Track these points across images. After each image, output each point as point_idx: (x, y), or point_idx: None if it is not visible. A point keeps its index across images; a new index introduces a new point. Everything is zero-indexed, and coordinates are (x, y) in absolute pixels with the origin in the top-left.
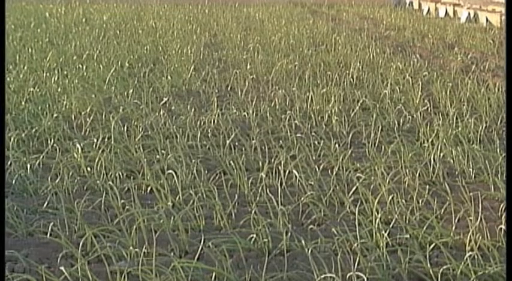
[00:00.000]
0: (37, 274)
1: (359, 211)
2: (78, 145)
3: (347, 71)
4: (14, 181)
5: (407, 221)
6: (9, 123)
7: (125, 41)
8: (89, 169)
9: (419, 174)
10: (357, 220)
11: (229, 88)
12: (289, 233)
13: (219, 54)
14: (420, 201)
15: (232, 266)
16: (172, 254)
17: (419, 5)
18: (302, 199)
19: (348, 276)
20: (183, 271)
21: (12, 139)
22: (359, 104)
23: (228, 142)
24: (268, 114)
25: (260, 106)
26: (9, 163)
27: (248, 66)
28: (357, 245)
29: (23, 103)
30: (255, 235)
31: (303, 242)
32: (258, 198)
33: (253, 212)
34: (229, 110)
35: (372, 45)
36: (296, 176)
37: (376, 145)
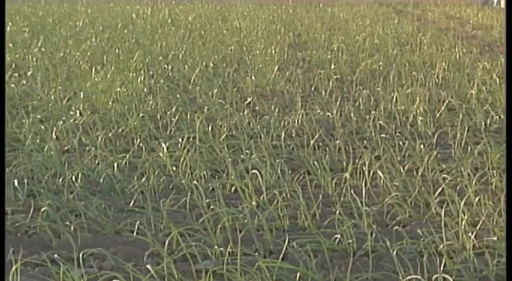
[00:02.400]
0: (124, 271)
1: (445, 212)
2: (163, 145)
3: (433, 71)
4: (101, 180)
5: (494, 223)
6: (97, 123)
7: (210, 42)
8: (174, 168)
9: None
10: (443, 222)
11: (313, 88)
12: (374, 234)
13: (303, 54)
14: None
15: (317, 266)
16: (256, 253)
17: None
18: (387, 199)
19: (433, 278)
20: (268, 271)
21: (99, 138)
22: (445, 105)
23: (312, 142)
24: (352, 115)
25: (344, 106)
26: (96, 161)
27: (332, 66)
28: (443, 246)
29: (110, 103)
30: (339, 236)
31: (387, 243)
32: (342, 198)
33: (337, 212)
34: (313, 110)
35: (458, 45)
36: (381, 177)
37: (463, 145)
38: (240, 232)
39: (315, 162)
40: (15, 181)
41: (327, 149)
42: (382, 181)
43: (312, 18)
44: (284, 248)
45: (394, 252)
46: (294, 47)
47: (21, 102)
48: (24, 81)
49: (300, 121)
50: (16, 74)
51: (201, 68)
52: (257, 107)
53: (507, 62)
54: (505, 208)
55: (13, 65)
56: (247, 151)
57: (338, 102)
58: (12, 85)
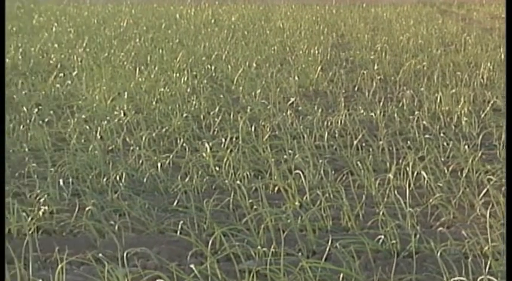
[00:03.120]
0: (168, 271)
1: (490, 213)
2: (207, 145)
3: (477, 72)
4: (145, 180)
5: None
6: (141, 123)
7: (253, 42)
8: (217, 168)
9: None
10: (488, 223)
11: (356, 88)
12: (418, 235)
13: (346, 54)
14: None
15: (360, 267)
16: (300, 254)
17: None
18: (431, 200)
19: (478, 280)
20: (311, 271)
21: (143, 138)
22: (490, 105)
23: (355, 142)
24: (396, 115)
25: (388, 107)
26: (140, 161)
27: (376, 67)
28: (488, 248)
29: (153, 103)
30: (383, 236)
31: (432, 244)
32: (385, 199)
33: (381, 213)
34: (357, 111)
35: (504, 45)
36: (424, 178)
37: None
38: (283, 232)
39: (358, 162)
40: (61, 180)
41: (370, 149)
42: (426, 182)
43: (355, 19)
44: (327, 249)
45: (438, 253)
46: (337, 47)
47: (66, 102)
48: (69, 82)
49: (343, 121)
50: (61, 74)
51: (244, 68)
52: (300, 107)
53: (507, 61)
54: (505, 208)
55: (58, 65)
56: (290, 151)
57: (381, 103)
58: (58, 85)
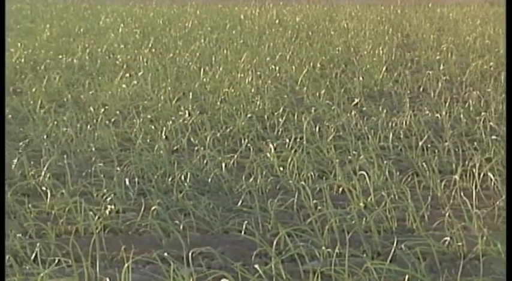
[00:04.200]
0: (232, 271)
1: None
2: (271, 145)
3: None
4: (209, 180)
5: None
6: (205, 123)
7: (317, 42)
8: (281, 168)
9: None
10: None
11: (421, 89)
12: (485, 237)
13: (411, 54)
14: None
15: (426, 269)
16: (364, 255)
17: None
18: (498, 202)
19: None
20: (376, 273)
21: (208, 138)
22: None
23: (420, 143)
24: (462, 116)
25: (454, 107)
26: (205, 161)
27: (441, 67)
28: None
29: (218, 103)
30: (448, 238)
31: (499, 246)
32: (451, 200)
33: (446, 214)
34: (422, 111)
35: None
36: (491, 179)
37: None
38: (348, 233)
39: (424, 163)
40: (126, 180)
41: (436, 150)
42: (493, 183)
43: (421, 19)
44: (392, 250)
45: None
46: (402, 48)
47: (132, 103)
48: (135, 82)
49: (408, 122)
50: (127, 75)
51: (308, 69)
52: (364, 108)
53: (507, 61)
54: (505, 208)
55: (124, 66)
56: (354, 152)
57: (447, 104)
58: (124, 85)
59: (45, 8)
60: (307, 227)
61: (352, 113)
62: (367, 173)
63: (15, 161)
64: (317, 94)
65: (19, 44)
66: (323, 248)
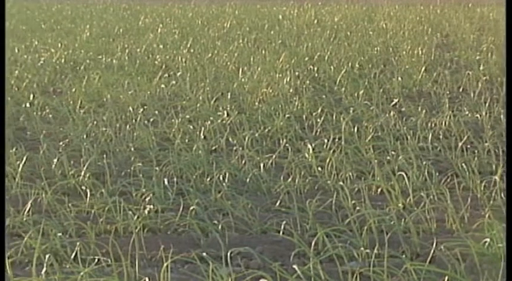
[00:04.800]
0: (271, 271)
1: None
2: (309, 145)
3: None
4: (248, 180)
5: None
6: (244, 123)
7: (356, 42)
8: (320, 169)
9: None
10: None
11: (461, 89)
12: None
13: (451, 54)
14: None
15: (466, 270)
16: (403, 256)
17: None
18: None
19: None
20: (415, 274)
21: (246, 139)
22: None
23: (460, 144)
24: (502, 117)
25: (494, 108)
26: (243, 161)
27: (481, 67)
28: None
29: (256, 103)
30: (488, 239)
31: None
32: (491, 202)
33: (486, 216)
34: (461, 112)
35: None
36: None
37: None
38: (387, 233)
39: (463, 164)
40: (165, 180)
41: (476, 151)
42: None
43: (460, 19)
44: (432, 251)
45: None
46: (441, 48)
47: (170, 103)
48: (174, 82)
49: (447, 123)
50: (166, 75)
51: (346, 69)
52: (403, 109)
53: (507, 61)
54: (505, 208)
55: (163, 66)
56: (393, 153)
57: (487, 104)
58: (163, 85)
59: (85, 8)
60: (345, 228)
61: (391, 113)
62: (406, 174)
63: (55, 160)
64: (355, 94)
65: (59, 45)
66: (362, 248)
